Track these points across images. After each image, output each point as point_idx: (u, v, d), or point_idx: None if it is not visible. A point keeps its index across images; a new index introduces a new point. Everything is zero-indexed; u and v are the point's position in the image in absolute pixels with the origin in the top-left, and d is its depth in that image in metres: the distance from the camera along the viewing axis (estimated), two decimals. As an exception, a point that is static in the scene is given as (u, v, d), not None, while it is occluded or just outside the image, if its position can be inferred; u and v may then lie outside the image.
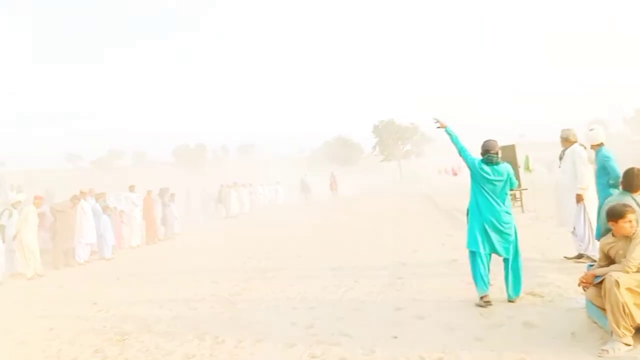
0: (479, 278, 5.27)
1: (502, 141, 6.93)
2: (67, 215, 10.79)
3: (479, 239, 5.38)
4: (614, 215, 3.88)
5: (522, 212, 12.98)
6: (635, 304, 3.50)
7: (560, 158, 6.84)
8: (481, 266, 5.31)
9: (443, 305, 5.32)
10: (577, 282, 4.19)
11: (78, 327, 5.77)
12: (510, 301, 5.17)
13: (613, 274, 3.58)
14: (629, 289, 3.51)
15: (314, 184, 33.00)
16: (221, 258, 10.22)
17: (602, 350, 3.58)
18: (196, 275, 8.49)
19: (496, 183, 5.32)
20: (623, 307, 3.47)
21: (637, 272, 3.63)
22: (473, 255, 5.42)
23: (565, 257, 6.99)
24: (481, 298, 5.18)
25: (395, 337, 4.47)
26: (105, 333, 5.43)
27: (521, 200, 13.49)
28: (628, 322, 3.50)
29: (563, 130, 6.77)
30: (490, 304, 5.10)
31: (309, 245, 10.89)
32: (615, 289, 3.48)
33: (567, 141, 6.70)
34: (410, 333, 4.55)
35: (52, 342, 5.23)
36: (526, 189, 13.53)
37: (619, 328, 3.51)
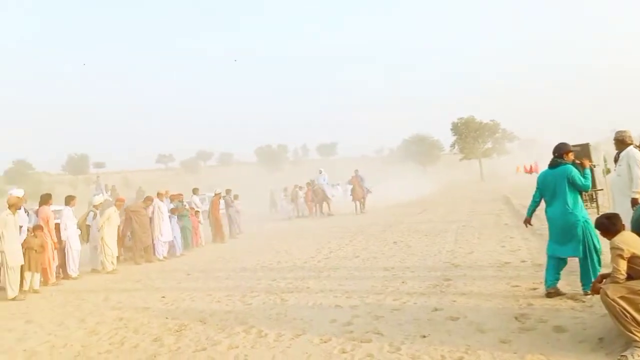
0: (545, 273, 5.60)
1: (592, 139, 6.86)
2: (141, 215, 11.78)
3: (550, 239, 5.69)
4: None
5: (598, 213, 12.38)
6: (636, 310, 3.46)
7: (616, 160, 6.59)
8: (550, 263, 5.55)
9: (480, 308, 5.38)
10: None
11: (144, 317, 6.41)
12: (585, 293, 5.27)
13: (604, 285, 3.57)
14: (622, 297, 3.48)
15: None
16: (283, 257, 10.68)
17: (622, 356, 3.56)
18: (256, 272, 9.01)
19: (553, 185, 5.54)
20: (623, 313, 3.44)
21: (629, 279, 3.58)
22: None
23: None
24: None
25: (424, 337, 4.63)
26: (166, 324, 6.00)
27: (596, 201, 12.88)
28: (637, 325, 3.47)
29: (618, 132, 6.52)
30: (555, 295, 5.39)
31: (370, 246, 11.09)
32: (606, 298, 3.47)
33: (622, 143, 6.45)
34: (440, 333, 4.69)
35: (119, 331, 5.88)
36: (601, 189, 12.90)
37: (632, 334, 3.48)
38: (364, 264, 8.93)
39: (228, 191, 17.38)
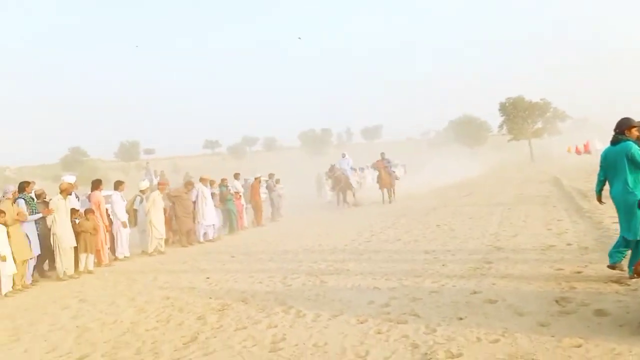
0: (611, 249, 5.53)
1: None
2: (183, 200, 12.15)
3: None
4: None
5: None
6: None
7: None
8: (618, 241, 5.45)
9: (520, 291, 5.29)
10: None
11: (189, 297, 6.65)
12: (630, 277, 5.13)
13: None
14: None
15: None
16: (324, 240, 10.78)
17: None
18: (298, 255, 9.15)
19: (614, 163, 5.38)
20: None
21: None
22: None
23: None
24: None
25: (461, 319, 4.61)
26: (209, 303, 6.21)
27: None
28: None
29: None
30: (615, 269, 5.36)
31: (412, 229, 11.03)
32: None
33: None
34: (477, 315, 4.66)
35: (165, 309, 6.13)
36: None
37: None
38: (405, 247, 8.91)
39: (271, 175, 17.61)
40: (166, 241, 11.89)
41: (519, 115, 51.54)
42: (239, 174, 16.06)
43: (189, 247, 11.98)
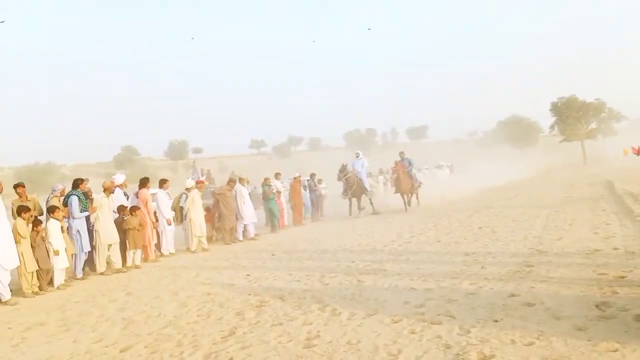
0: None
1: None
2: (227, 197, 12.49)
3: None
4: None
5: None
6: None
7: None
8: None
9: (560, 295, 5.18)
10: None
11: (229, 293, 6.84)
12: None
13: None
14: None
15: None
16: (364, 240, 10.81)
17: None
18: (336, 254, 9.22)
19: None
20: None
21: None
22: None
23: None
24: None
25: (496, 321, 4.56)
26: (248, 300, 6.37)
27: None
28: None
29: None
30: None
31: (453, 231, 10.92)
32: None
33: None
34: (513, 318, 4.60)
35: (206, 304, 6.34)
36: None
37: None
38: (444, 249, 8.84)
39: (312, 175, 17.76)
40: (209, 239, 12.22)
41: (571, 115, 49.84)
42: (279, 173, 16.29)
43: (231, 244, 12.27)
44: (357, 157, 17.70)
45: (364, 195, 17.12)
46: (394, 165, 17.62)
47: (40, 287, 8.00)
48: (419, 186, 17.78)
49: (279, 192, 14.94)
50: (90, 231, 9.28)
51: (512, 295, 5.36)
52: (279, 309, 5.82)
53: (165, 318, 5.90)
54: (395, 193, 17.43)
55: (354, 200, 17.04)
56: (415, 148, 73.60)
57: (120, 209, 9.88)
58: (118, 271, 9.39)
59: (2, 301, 7.35)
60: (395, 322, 4.87)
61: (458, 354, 3.91)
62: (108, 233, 9.37)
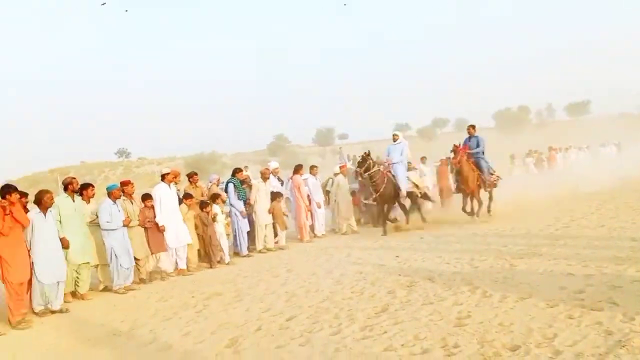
0: None
1: None
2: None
3: None
4: None
5: None
6: None
7: None
8: None
9: None
10: None
11: (380, 273, 7.17)
12: None
13: None
14: None
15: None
16: (517, 224, 10.40)
17: None
18: (487, 238, 9.07)
19: None
20: None
21: None
22: None
23: None
24: None
25: (667, 310, 4.26)
26: (398, 280, 6.63)
27: None
28: None
29: None
30: None
31: (620, 214, 10.04)
32: None
33: None
34: (688, 309, 4.25)
35: (359, 282, 6.74)
36: None
37: None
38: (609, 234, 8.22)
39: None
40: (358, 221, 12.72)
41: None
42: (425, 157, 16.23)
43: (379, 227, 12.61)
44: (395, 141, 11.99)
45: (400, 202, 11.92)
46: (453, 149, 11.80)
47: (210, 264, 9.29)
48: (497, 181, 12.16)
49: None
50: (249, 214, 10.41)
51: (689, 284, 4.92)
52: (429, 289, 5.98)
53: (323, 293, 6.40)
54: (455, 193, 12.61)
55: (385, 206, 11.54)
56: (576, 125, 67.56)
57: (274, 195, 10.75)
58: (279, 248, 10.38)
59: (186, 273, 8.67)
60: (551, 307, 4.76)
61: (620, 340, 3.76)
62: (262, 214, 10.46)
